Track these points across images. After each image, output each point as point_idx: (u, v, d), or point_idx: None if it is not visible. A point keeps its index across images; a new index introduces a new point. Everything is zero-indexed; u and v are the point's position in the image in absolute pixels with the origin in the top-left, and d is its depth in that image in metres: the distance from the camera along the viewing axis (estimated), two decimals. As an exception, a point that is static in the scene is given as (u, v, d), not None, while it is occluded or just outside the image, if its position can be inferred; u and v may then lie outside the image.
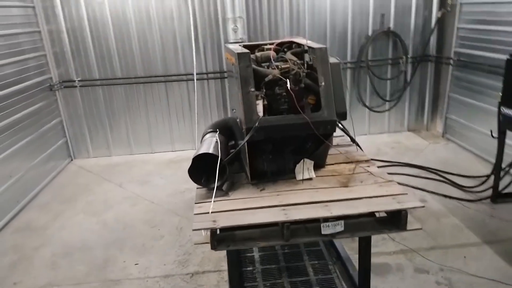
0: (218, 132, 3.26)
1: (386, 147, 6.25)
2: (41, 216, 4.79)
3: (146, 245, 3.95)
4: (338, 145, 3.82)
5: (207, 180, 3.00)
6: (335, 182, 3.01)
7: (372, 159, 3.40)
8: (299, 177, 3.07)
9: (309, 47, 3.06)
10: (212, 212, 2.66)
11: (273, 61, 3.01)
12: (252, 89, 2.80)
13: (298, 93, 2.94)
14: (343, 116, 2.96)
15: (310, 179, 3.06)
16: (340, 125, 3.39)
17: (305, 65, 3.05)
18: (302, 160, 3.08)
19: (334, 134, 3.60)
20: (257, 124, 2.75)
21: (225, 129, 3.49)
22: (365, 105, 6.62)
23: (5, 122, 4.98)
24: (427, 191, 4.81)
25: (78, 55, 5.98)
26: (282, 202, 2.75)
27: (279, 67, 2.97)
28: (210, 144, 3.07)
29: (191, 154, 3.12)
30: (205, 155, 2.88)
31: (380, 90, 6.56)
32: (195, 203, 2.84)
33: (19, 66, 5.45)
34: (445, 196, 4.64)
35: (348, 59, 6.41)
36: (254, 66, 2.91)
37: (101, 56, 6.00)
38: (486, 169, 4.99)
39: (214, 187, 2.91)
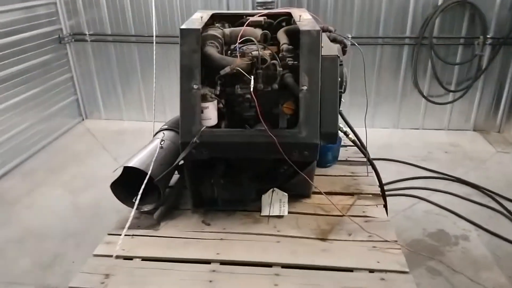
0: (172, 133, 2.43)
1: (439, 150, 5.00)
2: (19, 186, 4.37)
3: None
4: (347, 160, 2.82)
5: (140, 201, 2.22)
6: (312, 228, 2.09)
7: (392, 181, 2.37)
8: (264, 212, 2.18)
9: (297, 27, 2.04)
10: (116, 257, 1.89)
11: (238, 45, 2.04)
12: (196, 86, 1.90)
13: (268, 96, 1.99)
14: (330, 138, 1.96)
15: (281, 216, 2.16)
16: (351, 133, 2.41)
17: (293, 54, 2.05)
18: (271, 190, 2.18)
19: (344, 140, 2.63)
20: (195, 139, 1.87)
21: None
22: (421, 93, 5.32)
23: (12, 70, 4.73)
24: (474, 224, 3.64)
25: (90, 6, 5.33)
26: (220, 254, 1.91)
27: (246, 54, 2.01)
28: (148, 151, 2.25)
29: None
30: (134, 168, 2.09)
31: (443, 76, 5.20)
32: (108, 234, 2.09)
33: (27, 12, 5.01)
34: (497, 235, 3.47)
35: (407, 33, 5.08)
36: (210, 50, 1.98)
37: (113, 9, 5.29)
38: None
39: (143, 210, 2.14)
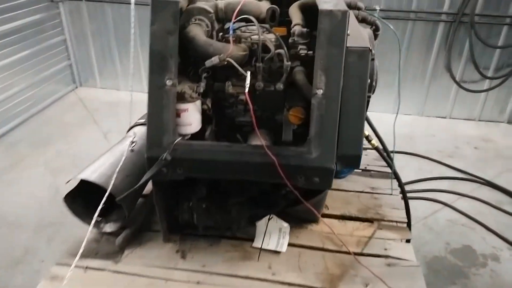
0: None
1: (468, 145, 4.42)
2: (0, 159, 3.97)
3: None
4: (366, 170, 2.30)
5: (103, 218, 1.75)
6: (318, 270, 1.61)
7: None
8: (257, 242, 1.70)
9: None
10: (58, 302, 1.45)
11: (232, 25, 1.49)
12: (170, 82, 1.38)
13: (270, 98, 1.46)
14: (351, 162, 1.44)
15: (278, 252, 1.68)
16: (374, 138, 1.90)
17: (308, 39, 1.50)
18: (268, 217, 1.69)
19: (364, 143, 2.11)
20: (165, 155, 1.37)
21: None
22: (453, 78, 4.68)
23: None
24: (506, 241, 3.14)
25: (85, -42, 4.71)
26: (194, 305, 1.45)
27: (243, 38, 1.47)
28: (113, 156, 1.76)
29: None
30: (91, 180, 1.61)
31: (481, 60, 4.54)
32: (56, 263, 1.64)
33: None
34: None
35: (445, 8, 4.40)
36: (194, 30, 1.44)
37: (110, -37, 4.68)
38: None
39: (104, 231, 1.69)
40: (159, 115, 1.40)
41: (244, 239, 1.73)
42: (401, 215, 1.93)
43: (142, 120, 2.02)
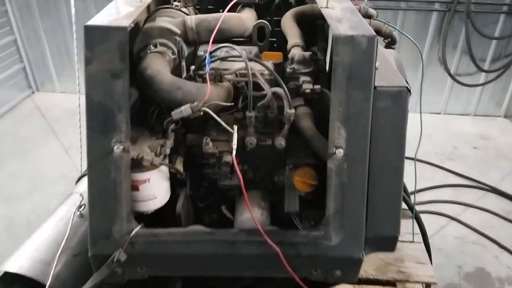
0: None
1: (467, 144, 4.10)
2: None
3: None
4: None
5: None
6: None
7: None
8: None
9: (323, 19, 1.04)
10: None
11: (208, 53, 1.04)
12: (119, 146, 0.93)
13: (266, 156, 1.03)
14: (387, 245, 1.04)
15: None
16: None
17: (311, 68, 1.07)
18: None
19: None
20: (118, 255, 0.93)
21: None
22: (447, 70, 4.33)
23: None
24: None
25: None
26: None
27: (224, 73, 1.03)
28: (54, 227, 1.30)
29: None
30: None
31: (478, 51, 4.19)
32: None
33: None
34: None
35: (439, -5, 4.03)
36: (155, 65, 0.99)
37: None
38: None
39: None
40: (105, 195, 0.96)
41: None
42: (429, 273, 1.55)
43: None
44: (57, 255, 1.18)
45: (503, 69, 4.21)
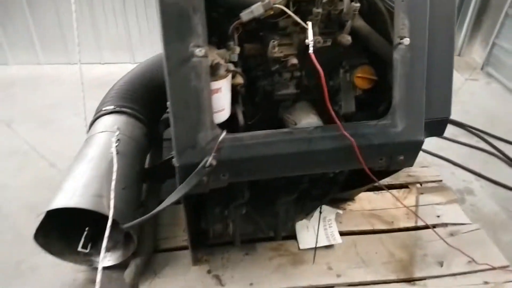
0: (123, 117, 1.41)
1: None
2: None
3: (24, 265, 2.15)
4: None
5: (93, 245, 1.25)
6: (384, 259, 1.34)
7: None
8: (304, 243, 1.36)
9: None
10: None
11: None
12: (200, 50, 0.91)
13: (325, 58, 1.06)
14: (438, 128, 1.15)
15: (330, 246, 1.37)
16: None
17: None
18: (318, 210, 1.35)
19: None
20: (209, 161, 0.92)
21: (153, 100, 1.61)
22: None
23: None
24: (473, 172, 3.21)
25: None
26: None
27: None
28: (95, 164, 1.24)
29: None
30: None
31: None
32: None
33: None
34: (501, 185, 3.06)
35: None
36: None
37: None
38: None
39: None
40: (188, 103, 0.94)
41: (287, 241, 1.38)
42: (433, 173, 1.75)
43: (111, 107, 1.48)
44: (112, 187, 1.13)
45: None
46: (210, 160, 0.93)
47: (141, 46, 3.95)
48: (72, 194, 1.13)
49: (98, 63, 4.25)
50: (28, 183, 2.45)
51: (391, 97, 1.03)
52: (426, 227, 1.47)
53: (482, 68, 4.47)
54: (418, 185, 1.66)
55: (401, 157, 1.09)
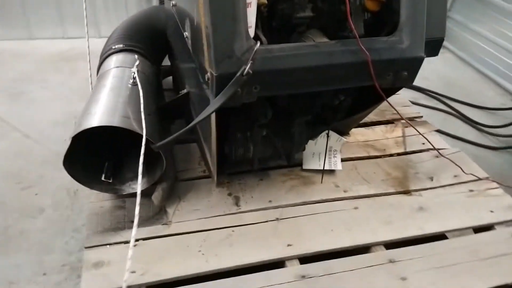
0: (139, 55, 1.45)
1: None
2: None
3: (10, 230, 2.16)
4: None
5: (115, 175, 1.30)
6: (383, 177, 1.51)
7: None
8: (308, 163, 1.49)
9: None
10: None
11: None
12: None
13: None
14: (435, 47, 1.30)
15: (333, 170, 1.51)
16: None
17: None
18: (325, 134, 1.47)
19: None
20: (247, 69, 1.01)
21: (155, 44, 1.66)
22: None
23: None
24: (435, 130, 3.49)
25: None
26: (293, 246, 1.21)
27: None
28: (116, 95, 1.28)
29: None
30: (112, 127, 1.14)
31: None
32: (85, 248, 1.18)
33: None
34: (456, 138, 3.35)
35: None
36: None
37: None
38: (502, 98, 3.74)
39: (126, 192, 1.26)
40: (224, 13, 1.01)
41: (290, 166, 1.50)
42: (414, 111, 1.93)
43: (120, 45, 1.51)
44: (142, 109, 1.18)
45: None
46: (247, 68, 1.01)
47: (108, 20, 3.91)
48: (101, 115, 1.17)
49: (61, 37, 4.12)
50: (4, 153, 2.39)
51: (394, 20, 1.16)
52: (414, 151, 1.65)
53: (436, 39, 4.75)
54: (403, 121, 1.83)
55: (405, 73, 1.23)
